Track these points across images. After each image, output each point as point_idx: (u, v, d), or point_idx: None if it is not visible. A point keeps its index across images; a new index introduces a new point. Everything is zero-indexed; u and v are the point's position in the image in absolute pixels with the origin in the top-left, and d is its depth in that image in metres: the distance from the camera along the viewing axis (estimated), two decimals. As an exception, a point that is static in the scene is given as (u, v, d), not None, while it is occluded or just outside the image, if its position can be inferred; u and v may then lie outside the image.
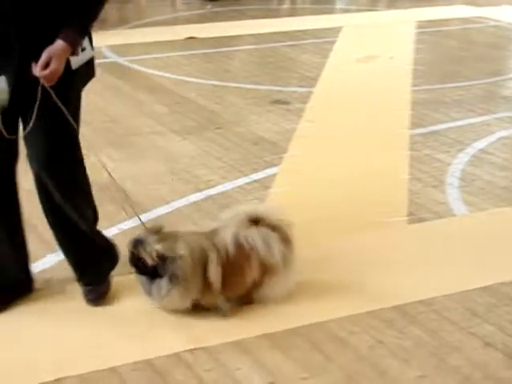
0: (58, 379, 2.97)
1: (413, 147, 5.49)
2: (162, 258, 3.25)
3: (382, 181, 4.91)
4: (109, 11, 11.19)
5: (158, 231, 3.33)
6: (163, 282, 3.27)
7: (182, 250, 3.27)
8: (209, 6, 11.50)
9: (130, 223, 4.21)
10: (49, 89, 3.07)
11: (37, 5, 3.05)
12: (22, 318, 3.38)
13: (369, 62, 7.90)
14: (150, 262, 3.26)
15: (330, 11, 11.42)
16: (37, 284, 3.59)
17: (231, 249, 3.33)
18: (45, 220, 3.45)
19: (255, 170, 5.08)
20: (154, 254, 3.25)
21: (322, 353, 3.16)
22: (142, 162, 5.19)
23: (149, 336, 3.26)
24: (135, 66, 7.73)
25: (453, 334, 3.28)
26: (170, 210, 4.45)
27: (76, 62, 3.19)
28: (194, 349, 3.16)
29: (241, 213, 3.48)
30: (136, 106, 6.44)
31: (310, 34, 9.38)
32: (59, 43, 3.05)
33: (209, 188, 4.79)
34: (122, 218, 4.21)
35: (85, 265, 3.53)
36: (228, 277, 3.33)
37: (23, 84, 3.11)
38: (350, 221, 4.33)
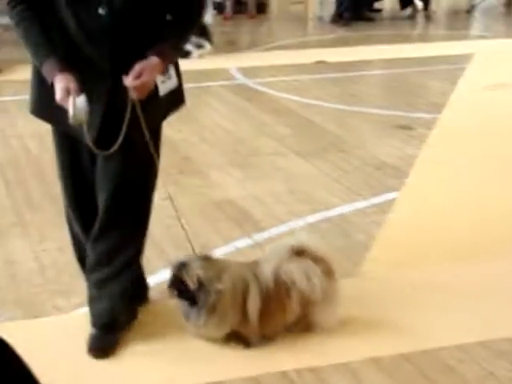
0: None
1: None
2: (202, 287, 3.18)
3: (508, 208, 4.79)
4: (241, 34, 11.45)
5: (205, 258, 3.26)
6: (202, 311, 3.21)
7: (223, 282, 3.19)
8: (340, 31, 11.57)
9: (245, 242, 4.29)
10: (138, 110, 3.06)
11: (133, 25, 3.04)
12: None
13: (498, 90, 7.74)
14: (191, 286, 3.18)
15: (464, 37, 11.27)
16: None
17: (271, 283, 3.27)
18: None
19: (375, 194, 5.07)
20: (195, 280, 3.17)
21: (429, 379, 3.12)
22: (262, 181, 5.27)
23: (256, 354, 3.30)
24: (263, 89, 7.85)
25: None
26: (286, 229, 4.50)
27: (163, 89, 3.22)
28: (301, 369, 3.18)
29: (285, 244, 3.43)
30: (260, 127, 6.54)
31: (441, 60, 9.29)
32: (153, 58, 3.03)
33: (327, 210, 4.81)
34: (237, 236, 4.29)
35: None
36: (267, 311, 3.27)
37: (112, 106, 3.10)
38: (468, 248, 4.25)
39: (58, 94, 2.95)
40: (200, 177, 5.32)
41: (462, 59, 9.22)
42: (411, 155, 5.81)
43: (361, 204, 4.91)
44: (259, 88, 7.88)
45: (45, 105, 3.15)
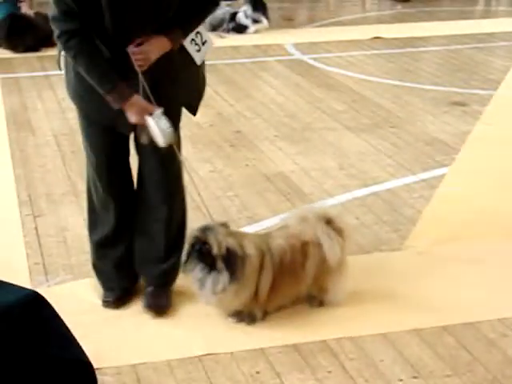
0: (208, 354, 3.12)
1: None
2: (231, 253, 3.15)
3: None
4: (298, 10, 11.41)
5: (225, 226, 3.25)
6: (222, 277, 3.17)
7: (250, 249, 3.19)
8: (399, 7, 11.45)
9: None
10: (142, 82, 3.11)
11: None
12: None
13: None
14: (215, 250, 3.14)
15: (527, 13, 11.06)
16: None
17: (286, 253, 3.27)
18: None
19: (425, 170, 5.05)
20: (224, 246, 3.15)
21: (470, 352, 3.13)
22: (313, 155, 5.28)
23: (297, 322, 3.34)
24: (318, 64, 7.84)
25: None
26: (335, 203, 4.52)
27: (199, 57, 3.30)
28: (341, 338, 3.22)
29: (312, 211, 3.44)
30: (313, 102, 6.55)
31: (500, 36, 9.14)
32: (161, 36, 3.10)
33: (375, 184, 4.82)
34: (285, 209, 4.33)
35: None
36: (277, 286, 3.27)
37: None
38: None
39: (135, 117, 3.08)
40: (251, 150, 5.36)
41: (523, 36, 9.07)
42: (464, 132, 5.76)
43: (410, 179, 4.91)
44: (314, 64, 7.87)
45: (81, 96, 3.24)
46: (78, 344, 1.89)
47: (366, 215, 4.37)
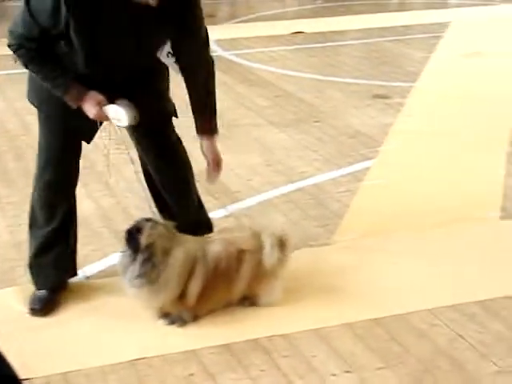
0: (141, 358, 3.08)
1: (512, 142, 5.40)
2: (149, 253, 3.17)
3: (478, 176, 4.85)
4: (219, 6, 11.39)
5: (168, 226, 3.28)
6: (138, 271, 3.18)
7: (178, 255, 3.20)
8: (319, 1, 11.54)
9: (221, 213, 4.31)
10: None
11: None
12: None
13: (474, 59, 7.76)
14: (143, 242, 3.16)
15: (442, 6, 11.26)
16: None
17: (221, 260, 3.28)
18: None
19: (350, 163, 5.09)
20: (149, 242, 3.16)
21: (401, 344, 3.16)
22: (238, 152, 5.27)
23: (229, 321, 3.33)
24: (240, 60, 7.84)
25: (536, 331, 3.23)
26: (261, 200, 4.52)
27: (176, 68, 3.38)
28: (273, 335, 3.22)
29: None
30: (237, 98, 6.54)
31: (417, 29, 9.29)
32: (210, 140, 3.47)
33: (302, 180, 4.84)
34: (212, 207, 4.31)
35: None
36: (208, 292, 3.27)
37: None
38: (440, 214, 4.30)
39: (93, 111, 3.14)
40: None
41: (439, 28, 9.23)
42: (387, 124, 5.83)
43: (335, 173, 4.94)
44: (236, 60, 7.87)
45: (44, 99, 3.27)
46: (4, 358, 1.83)
47: (293, 211, 4.38)
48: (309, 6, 11.32)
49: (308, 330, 3.25)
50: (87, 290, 3.62)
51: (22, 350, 3.05)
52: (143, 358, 3.08)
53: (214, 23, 9.88)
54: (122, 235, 3.26)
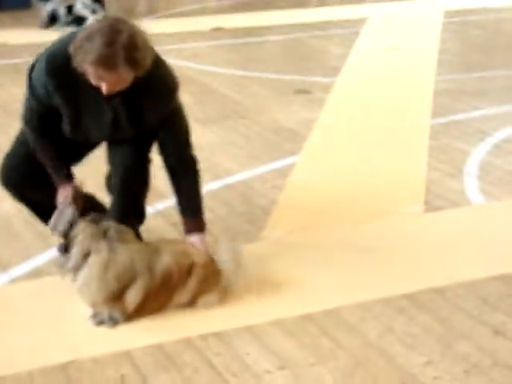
0: (72, 361, 3.03)
1: (433, 136, 5.49)
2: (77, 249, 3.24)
3: (401, 170, 4.93)
4: (138, 1, 11.30)
5: (119, 229, 3.30)
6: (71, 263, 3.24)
7: (93, 260, 3.22)
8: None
9: (148, 210, 4.27)
10: None
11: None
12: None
13: (392, 52, 7.88)
14: (78, 239, 3.24)
15: (359, 1, 11.40)
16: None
17: (170, 274, 3.29)
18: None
19: (275, 159, 5.11)
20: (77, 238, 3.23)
21: (332, 339, 3.19)
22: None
23: (161, 321, 3.30)
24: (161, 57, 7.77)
25: (463, 322, 3.29)
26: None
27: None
28: (206, 334, 3.21)
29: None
30: (160, 95, 6.48)
31: (336, 24, 9.39)
32: (198, 237, 3.50)
33: (228, 176, 4.83)
34: (156, 200, 4.28)
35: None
36: (148, 301, 3.27)
37: None
38: (365, 209, 4.36)
39: (60, 198, 3.45)
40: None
41: (357, 23, 9.35)
42: (310, 119, 5.88)
43: (261, 169, 4.96)
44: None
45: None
46: None
47: (220, 208, 4.37)
48: (228, 2, 11.32)
49: (240, 328, 3.25)
50: (13, 293, 3.55)
51: None
52: (74, 361, 3.03)
53: (132, 18, 9.78)
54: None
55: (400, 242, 3.99)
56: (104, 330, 3.23)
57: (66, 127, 3.44)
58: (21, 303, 3.44)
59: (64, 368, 2.99)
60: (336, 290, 3.56)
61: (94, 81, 3.16)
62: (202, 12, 10.41)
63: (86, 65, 3.10)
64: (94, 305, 3.27)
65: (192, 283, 3.33)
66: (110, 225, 3.31)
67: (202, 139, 5.46)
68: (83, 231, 3.25)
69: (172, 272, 3.28)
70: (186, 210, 3.56)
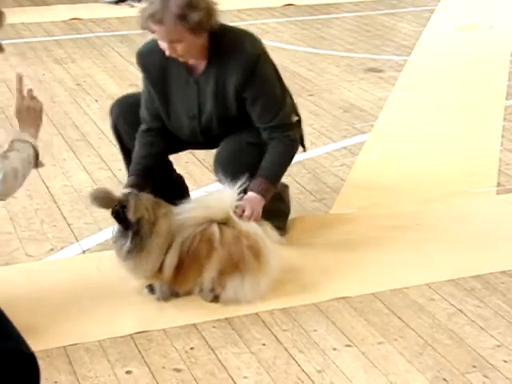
0: (141, 332, 3.07)
1: (507, 118, 5.39)
2: (140, 226, 3.16)
3: (473, 150, 4.85)
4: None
5: (151, 200, 3.25)
6: (127, 244, 3.18)
7: (159, 229, 3.17)
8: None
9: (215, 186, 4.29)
10: None
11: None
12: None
13: (468, 32, 7.74)
14: (131, 217, 3.16)
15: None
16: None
17: (193, 240, 3.21)
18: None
19: (345, 137, 5.08)
20: (139, 216, 3.15)
21: (400, 318, 3.17)
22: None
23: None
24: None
25: (534, 306, 3.24)
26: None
27: None
28: (273, 309, 3.22)
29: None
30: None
31: (409, 1, 9.24)
32: (252, 195, 3.33)
33: (297, 154, 4.81)
34: (207, 181, 4.30)
35: None
36: (182, 269, 3.22)
37: None
38: (436, 189, 4.30)
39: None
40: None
41: (431, 1, 9.18)
42: (381, 98, 5.82)
43: (331, 147, 4.93)
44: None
45: None
46: (19, 333, 1.82)
47: (290, 185, 4.35)
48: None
49: (307, 305, 3.25)
50: (84, 264, 3.61)
51: (22, 324, 3.02)
52: (143, 332, 3.07)
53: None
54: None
55: (471, 223, 3.93)
56: (172, 304, 3.27)
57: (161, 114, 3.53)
58: (91, 275, 3.49)
59: (133, 338, 3.04)
60: (404, 269, 3.53)
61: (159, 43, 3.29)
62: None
63: (143, 21, 3.23)
64: (146, 279, 3.31)
65: (217, 255, 3.21)
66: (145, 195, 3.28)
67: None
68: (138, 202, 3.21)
69: (196, 239, 3.20)
70: (260, 169, 3.42)
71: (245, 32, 3.46)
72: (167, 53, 3.27)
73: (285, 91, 3.57)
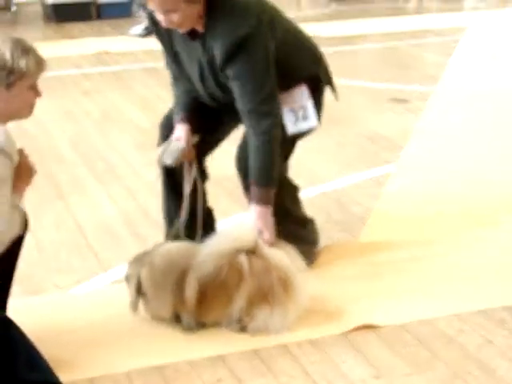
0: (168, 363, 3.06)
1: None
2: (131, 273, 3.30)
3: (501, 181, 4.81)
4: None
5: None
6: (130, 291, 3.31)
7: (150, 266, 3.25)
8: (333, 5, 11.52)
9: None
10: None
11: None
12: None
13: (493, 62, 7.73)
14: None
15: (458, 9, 11.23)
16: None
17: (222, 272, 3.19)
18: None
19: (370, 168, 5.07)
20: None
21: (429, 349, 3.13)
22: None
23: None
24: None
25: None
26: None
27: (293, 128, 3.52)
28: (301, 341, 3.19)
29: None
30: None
31: (434, 32, 9.26)
32: (257, 210, 3.31)
33: (323, 183, 4.81)
34: (236, 211, 4.29)
35: None
36: (208, 298, 3.21)
37: None
38: (464, 219, 4.27)
39: (173, 135, 3.50)
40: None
41: (456, 31, 9.19)
42: (407, 128, 5.81)
43: (357, 177, 4.92)
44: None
45: None
46: (47, 364, 1.82)
47: (316, 215, 4.32)
48: (325, 10, 11.30)
49: (335, 335, 3.23)
50: (112, 294, 3.61)
51: (50, 354, 3.03)
52: (170, 363, 3.06)
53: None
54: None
55: (501, 252, 3.90)
56: (199, 335, 3.26)
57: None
58: (120, 305, 3.49)
59: (161, 370, 3.02)
60: (432, 299, 3.50)
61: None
62: (297, 20, 10.40)
63: None
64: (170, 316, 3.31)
65: (247, 285, 3.20)
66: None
67: (297, 145, 5.44)
68: None
69: (223, 269, 3.19)
70: (251, 170, 3.35)
71: (245, 4, 3.29)
72: (164, 24, 3.23)
73: (269, 76, 3.32)
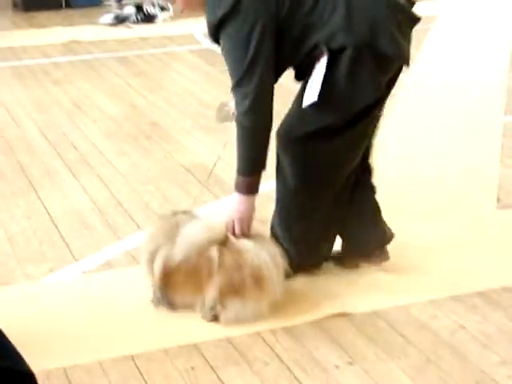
0: (142, 352, 3.05)
1: (506, 134, 5.39)
2: None
3: (473, 167, 4.84)
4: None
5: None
6: None
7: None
8: None
9: (216, 205, 4.29)
10: None
11: None
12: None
13: (463, 50, 7.76)
14: None
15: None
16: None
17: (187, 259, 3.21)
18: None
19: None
20: None
21: (402, 335, 3.15)
22: (231, 145, 5.22)
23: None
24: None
25: (537, 321, 3.23)
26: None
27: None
28: (275, 328, 3.19)
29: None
30: (227, 91, 6.49)
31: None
32: (233, 197, 3.21)
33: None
34: (207, 200, 4.29)
35: None
36: (176, 280, 3.23)
37: None
38: (435, 204, 4.30)
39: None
40: (168, 142, 5.28)
41: (428, 20, 9.19)
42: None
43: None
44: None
45: None
46: (17, 352, 1.80)
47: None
48: None
49: (309, 323, 3.23)
50: (84, 285, 3.59)
51: (21, 344, 3.00)
52: (143, 352, 3.05)
53: (201, 15, 9.82)
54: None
55: (471, 239, 3.92)
56: (172, 324, 3.25)
57: None
58: (92, 295, 3.47)
59: (134, 358, 3.01)
60: (405, 286, 3.51)
61: None
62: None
63: None
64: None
65: (216, 278, 3.18)
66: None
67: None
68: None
69: (191, 259, 3.20)
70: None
71: None
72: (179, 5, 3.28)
73: (251, 55, 3.01)
